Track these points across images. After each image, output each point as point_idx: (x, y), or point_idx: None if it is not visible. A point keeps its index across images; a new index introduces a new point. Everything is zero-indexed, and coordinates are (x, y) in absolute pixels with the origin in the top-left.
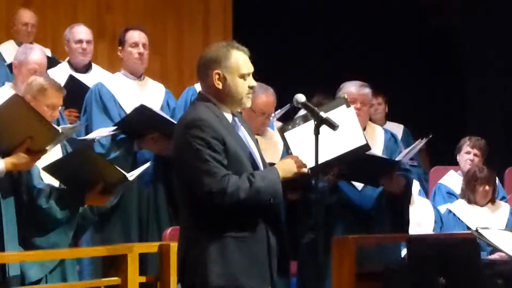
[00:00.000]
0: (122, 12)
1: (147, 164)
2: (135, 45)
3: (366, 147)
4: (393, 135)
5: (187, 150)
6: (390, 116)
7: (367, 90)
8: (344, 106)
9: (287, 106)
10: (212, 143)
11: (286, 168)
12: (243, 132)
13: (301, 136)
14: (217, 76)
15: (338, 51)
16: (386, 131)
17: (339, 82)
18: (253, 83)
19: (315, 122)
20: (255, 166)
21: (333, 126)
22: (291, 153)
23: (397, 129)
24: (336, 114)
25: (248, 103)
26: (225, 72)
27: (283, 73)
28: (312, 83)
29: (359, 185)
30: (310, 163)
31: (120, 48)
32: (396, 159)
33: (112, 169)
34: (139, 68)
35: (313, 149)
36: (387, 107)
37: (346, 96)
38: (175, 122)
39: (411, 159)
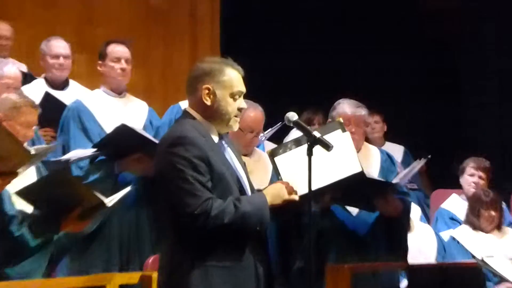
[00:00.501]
0: (104, 24)
1: (128, 188)
2: (117, 60)
3: (361, 175)
4: (389, 156)
5: (171, 170)
6: (389, 134)
7: (363, 112)
8: (340, 130)
9: (278, 125)
10: (196, 164)
11: (275, 194)
12: (229, 155)
13: (292, 161)
14: (206, 91)
15: (335, 60)
16: (382, 151)
17: (335, 90)
18: (243, 105)
19: (308, 142)
20: (242, 191)
21: (327, 146)
22: (281, 179)
23: (397, 150)
24: (331, 138)
25: (235, 126)
26: (216, 87)
27: (272, 88)
28: (306, 96)
29: (353, 210)
30: (301, 190)
31: (100, 62)
32: (394, 181)
33: (89, 194)
34: (121, 84)
35: (305, 175)
36: (385, 126)
37: (341, 120)
38: None
39: (411, 182)
